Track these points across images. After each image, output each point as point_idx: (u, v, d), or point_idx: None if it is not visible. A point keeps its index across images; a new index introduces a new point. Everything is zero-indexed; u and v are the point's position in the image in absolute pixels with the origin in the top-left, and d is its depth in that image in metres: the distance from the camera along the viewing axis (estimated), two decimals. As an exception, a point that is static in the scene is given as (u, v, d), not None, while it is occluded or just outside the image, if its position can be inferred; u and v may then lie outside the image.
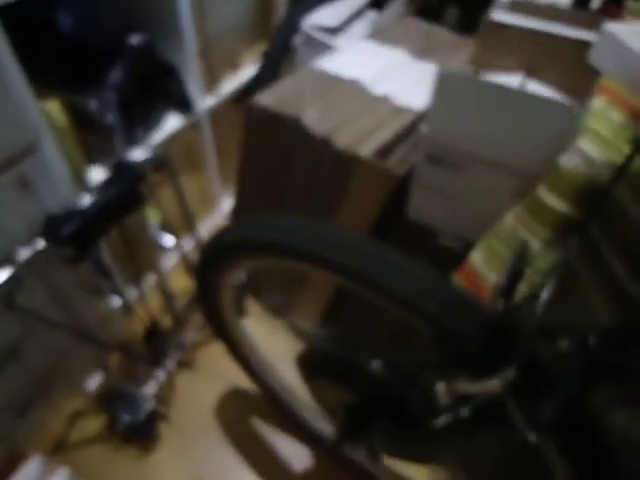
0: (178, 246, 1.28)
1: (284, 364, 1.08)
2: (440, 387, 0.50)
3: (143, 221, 0.99)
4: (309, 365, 0.78)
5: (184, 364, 1.28)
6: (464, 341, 0.49)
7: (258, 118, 0.91)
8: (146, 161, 1.09)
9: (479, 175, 0.73)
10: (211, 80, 1.30)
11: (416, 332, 0.88)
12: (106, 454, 1.13)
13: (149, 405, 1.07)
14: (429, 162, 0.76)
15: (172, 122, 1.22)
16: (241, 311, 1.04)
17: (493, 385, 0.43)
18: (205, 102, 1.27)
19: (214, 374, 1.27)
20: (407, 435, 0.61)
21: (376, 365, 0.70)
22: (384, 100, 0.92)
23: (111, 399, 1.10)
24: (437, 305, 0.49)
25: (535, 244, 0.60)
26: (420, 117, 0.87)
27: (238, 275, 0.75)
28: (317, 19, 1.27)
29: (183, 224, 1.31)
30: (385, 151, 0.80)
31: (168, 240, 1.06)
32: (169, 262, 1.43)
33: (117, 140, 1.00)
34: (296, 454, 1.15)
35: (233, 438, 1.17)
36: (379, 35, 1.13)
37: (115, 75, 1.00)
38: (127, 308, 1.13)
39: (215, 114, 1.33)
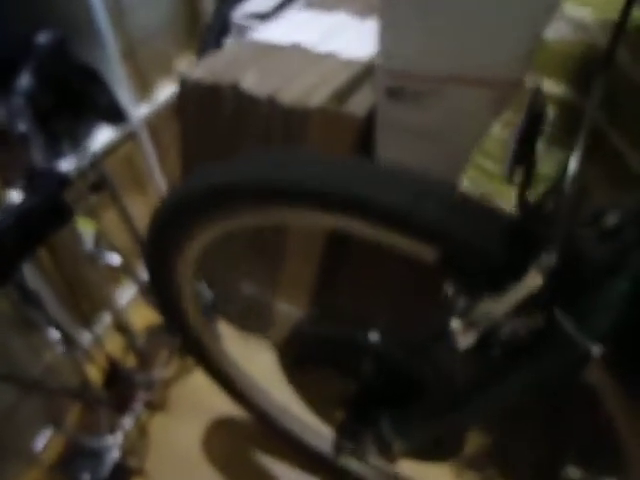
0: (131, 272, 1.13)
1: (271, 382, 0.93)
2: (456, 325, 0.37)
3: (75, 237, 0.84)
4: (295, 352, 0.64)
5: (155, 406, 1.10)
6: (476, 249, 0.36)
7: (193, 93, 0.80)
8: (74, 170, 0.96)
9: (448, 101, 0.63)
10: (143, 87, 1.19)
11: (418, 283, 0.75)
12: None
13: (113, 457, 0.89)
14: (390, 97, 0.66)
15: (105, 134, 1.09)
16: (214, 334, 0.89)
17: (532, 280, 0.30)
18: (139, 111, 1.16)
19: (191, 411, 1.10)
20: (423, 410, 0.47)
21: (374, 336, 0.57)
22: (329, 56, 0.82)
23: (69, 460, 0.91)
24: (436, 209, 0.37)
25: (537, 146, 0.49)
26: (371, 64, 0.77)
27: (199, 251, 0.60)
28: (247, 8, 1.19)
29: (134, 251, 1.17)
30: (339, 100, 0.70)
31: (112, 258, 0.91)
32: (125, 295, 1.27)
33: (35, 153, 0.86)
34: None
35: (223, 478, 0.99)
36: (314, 6, 1.05)
37: (24, 79, 0.88)
38: (77, 351, 0.96)
39: (153, 124, 1.22)
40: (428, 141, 0.66)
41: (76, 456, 0.90)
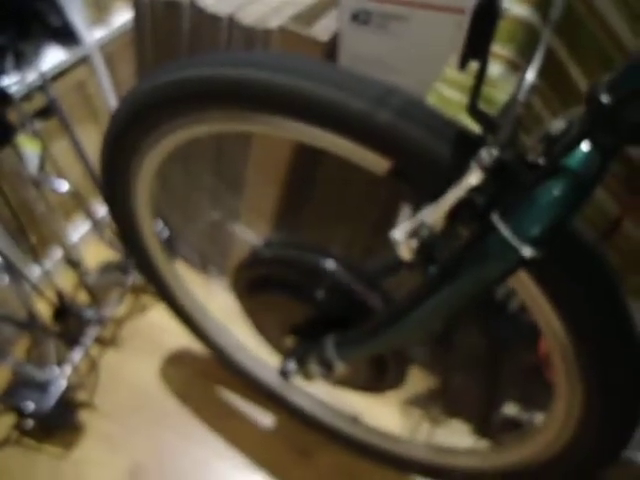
0: (83, 206, 1.09)
1: (227, 320, 0.93)
2: (398, 235, 0.37)
3: (18, 157, 0.79)
4: (251, 275, 0.63)
5: (106, 342, 1.09)
6: (428, 157, 0.36)
7: (148, 9, 0.74)
8: (17, 86, 0.89)
9: (415, 28, 0.61)
10: (99, 10, 1.11)
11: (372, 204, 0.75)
12: (18, 459, 0.92)
13: (58, 388, 0.88)
14: (355, 22, 0.63)
15: (56, 55, 1.02)
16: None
17: (471, 177, 0.30)
18: (93, 34, 1.08)
19: (144, 348, 1.09)
20: (364, 330, 0.48)
21: (329, 264, 0.57)
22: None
23: (13, 390, 0.89)
24: (392, 115, 0.36)
25: (495, 69, 0.48)
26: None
27: (157, 164, 0.57)
28: None
29: (87, 184, 1.12)
30: (303, 22, 0.66)
31: (59, 184, 0.87)
32: (78, 231, 1.23)
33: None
34: (253, 421, 0.99)
35: (173, 414, 1.00)
36: None
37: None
38: (25, 284, 0.93)
39: (110, 51, 1.14)
40: (392, 71, 0.64)
41: (21, 386, 0.89)
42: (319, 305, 0.61)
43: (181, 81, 0.46)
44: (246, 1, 0.71)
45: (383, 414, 0.97)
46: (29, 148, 0.79)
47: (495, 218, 0.32)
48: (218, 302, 0.96)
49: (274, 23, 0.66)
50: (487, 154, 0.30)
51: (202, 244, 1.10)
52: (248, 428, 0.98)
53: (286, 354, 0.63)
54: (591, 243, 0.35)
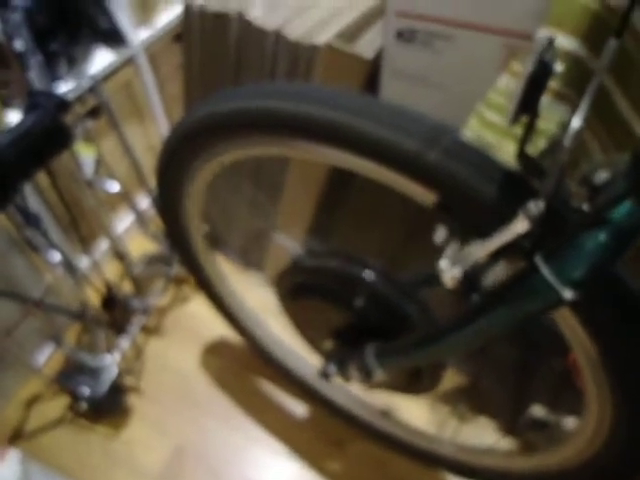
0: (129, 201, 1.15)
1: (265, 313, 0.98)
2: (444, 265, 0.40)
3: (75, 162, 0.85)
4: (293, 283, 0.67)
5: (150, 330, 1.15)
6: (474, 196, 0.38)
7: (198, 20, 0.78)
8: (72, 92, 0.94)
9: (458, 47, 0.62)
10: (144, 10, 1.14)
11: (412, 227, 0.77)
12: (73, 438, 1.01)
13: (111, 374, 0.94)
14: (399, 40, 0.65)
15: (104, 57, 1.06)
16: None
17: (518, 225, 0.33)
18: (139, 35, 1.12)
19: (186, 337, 1.15)
20: (405, 343, 0.51)
21: (369, 275, 0.60)
22: (340, -9, 0.79)
23: (68, 375, 0.97)
24: (442, 155, 0.38)
25: (542, 100, 0.50)
26: (383, 3, 0.75)
27: (208, 178, 0.62)
28: None
29: (133, 180, 1.17)
30: (348, 38, 0.68)
31: (111, 185, 0.92)
32: (123, 223, 1.29)
33: (32, 72, 0.84)
34: (288, 410, 1.05)
35: (213, 401, 1.06)
36: None
37: (21, -7, 0.84)
38: (77, 274, 0.99)
39: (153, 51, 1.18)
40: (434, 88, 0.66)
41: (75, 372, 0.96)
42: (358, 313, 0.64)
43: (235, 112, 0.49)
44: (293, 14, 0.73)
45: (412, 409, 1.01)
46: (85, 153, 0.84)
47: (539, 259, 0.34)
48: (256, 295, 1.00)
49: (319, 39, 0.68)
50: (535, 205, 0.32)
51: (242, 243, 1.14)
52: (282, 417, 1.04)
53: (326, 357, 0.67)
54: (628, 284, 0.37)
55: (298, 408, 1.05)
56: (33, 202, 0.90)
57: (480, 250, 0.37)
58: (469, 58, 0.62)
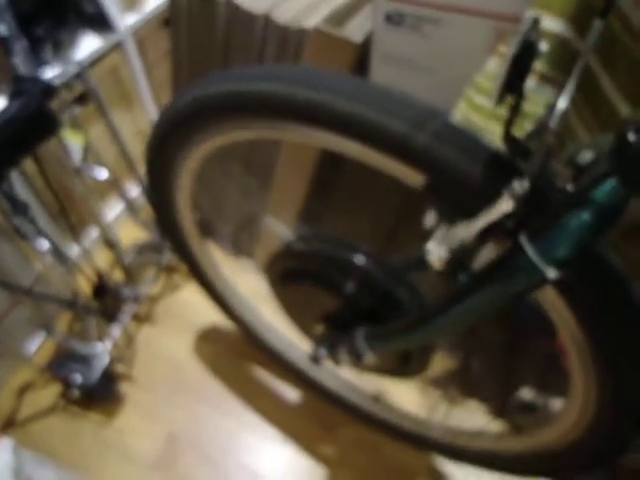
0: (119, 189, 1.14)
1: (256, 300, 0.98)
2: (432, 248, 0.40)
3: (63, 149, 0.84)
4: (283, 267, 0.67)
5: (141, 318, 1.15)
6: (462, 178, 0.38)
7: (185, 5, 0.76)
8: (58, 77, 0.93)
9: (447, 31, 0.62)
10: (130, -6, 1.13)
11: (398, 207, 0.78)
12: (65, 425, 1.01)
13: (103, 362, 0.95)
14: (388, 23, 0.64)
15: (91, 43, 1.05)
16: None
17: (503, 205, 0.33)
18: (126, 20, 1.10)
19: (177, 325, 1.15)
20: (395, 326, 0.51)
21: (360, 260, 0.61)
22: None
23: (60, 363, 0.97)
24: (430, 138, 0.38)
25: (528, 83, 0.50)
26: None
27: (198, 163, 0.61)
28: None
29: (122, 167, 1.16)
30: (337, 22, 0.68)
31: (100, 172, 0.91)
32: (113, 211, 1.28)
33: (17, 57, 0.83)
34: (280, 395, 1.06)
35: (206, 387, 1.07)
36: None
37: (3, -24, 0.83)
38: (67, 262, 0.99)
39: (141, 37, 1.16)
40: (423, 72, 0.66)
41: (67, 360, 0.96)
42: (349, 297, 0.64)
43: (223, 95, 0.49)
44: (281, -2, 0.73)
45: (403, 393, 1.02)
46: (72, 140, 0.83)
47: (523, 239, 0.35)
48: (247, 282, 1.01)
49: (308, 23, 0.68)
50: (519, 185, 0.33)
51: (233, 229, 1.14)
52: (275, 403, 1.05)
53: (317, 341, 0.67)
54: (610, 262, 0.37)
55: (291, 393, 1.06)
56: (20, 190, 0.89)
57: (466, 230, 0.37)
58: (458, 42, 0.62)
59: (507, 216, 0.34)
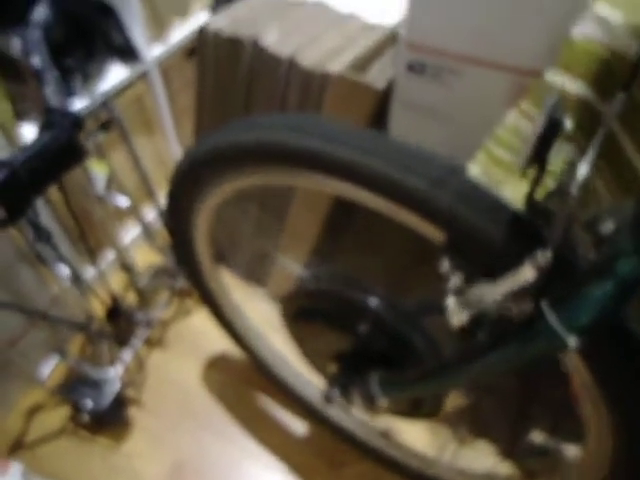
0: (137, 214, 1.16)
1: (268, 330, 0.98)
2: (451, 304, 0.41)
3: (87, 178, 0.86)
4: (297, 306, 0.68)
5: (153, 343, 1.16)
6: (482, 238, 0.39)
7: (212, 44, 0.79)
8: (86, 108, 0.96)
9: (467, 82, 0.64)
10: (157, 26, 1.17)
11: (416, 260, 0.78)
12: (73, 449, 1.01)
13: (114, 387, 0.95)
14: (410, 72, 0.66)
15: (117, 73, 1.08)
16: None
17: (525, 274, 0.34)
18: (152, 51, 1.14)
19: (188, 351, 1.16)
20: (410, 374, 0.52)
21: (374, 302, 0.61)
22: (352, 18, 0.81)
23: (71, 386, 0.98)
24: (451, 198, 0.39)
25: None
26: (394, 33, 0.77)
27: (215, 203, 0.63)
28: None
29: (141, 192, 1.19)
30: (359, 67, 0.70)
31: (121, 200, 0.94)
32: (129, 235, 1.30)
33: (48, 88, 0.86)
34: (287, 427, 1.05)
35: (213, 415, 1.06)
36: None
37: (40, 11, 0.86)
38: (83, 286, 1.00)
39: (166, 66, 1.20)
40: (442, 120, 0.67)
41: (79, 384, 0.96)
42: (361, 338, 0.65)
43: (245, 144, 0.50)
44: (306, 41, 0.75)
45: (412, 430, 1.01)
46: (97, 169, 0.86)
47: (545, 306, 0.35)
48: (259, 311, 1.01)
49: (332, 68, 0.70)
50: (542, 255, 0.33)
51: (246, 261, 1.15)
52: (281, 433, 1.04)
53: (330, 381, 0.67)
54: (631, 329, 0.38)
55: (298, 426, 1.05)
56: (44, 216, 0.92)
57: (487, 296, 0.37)
58: (478, 92, 0.64)
59: (529, 283, 0.35)
